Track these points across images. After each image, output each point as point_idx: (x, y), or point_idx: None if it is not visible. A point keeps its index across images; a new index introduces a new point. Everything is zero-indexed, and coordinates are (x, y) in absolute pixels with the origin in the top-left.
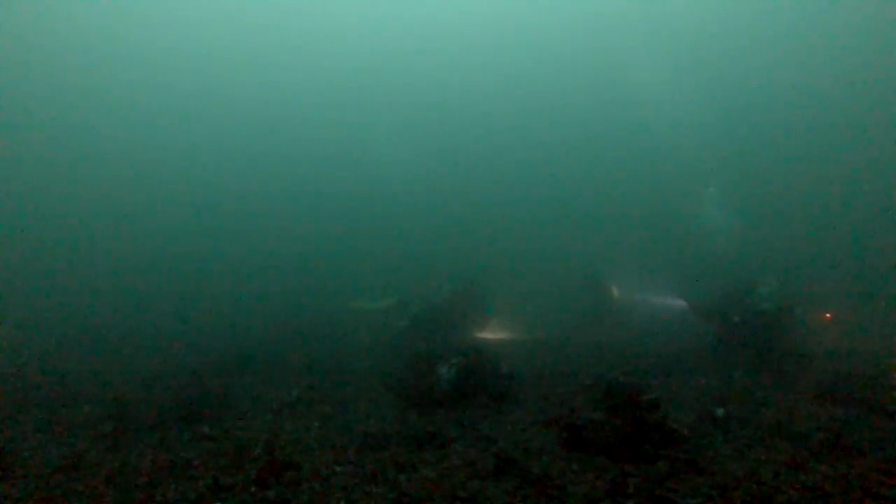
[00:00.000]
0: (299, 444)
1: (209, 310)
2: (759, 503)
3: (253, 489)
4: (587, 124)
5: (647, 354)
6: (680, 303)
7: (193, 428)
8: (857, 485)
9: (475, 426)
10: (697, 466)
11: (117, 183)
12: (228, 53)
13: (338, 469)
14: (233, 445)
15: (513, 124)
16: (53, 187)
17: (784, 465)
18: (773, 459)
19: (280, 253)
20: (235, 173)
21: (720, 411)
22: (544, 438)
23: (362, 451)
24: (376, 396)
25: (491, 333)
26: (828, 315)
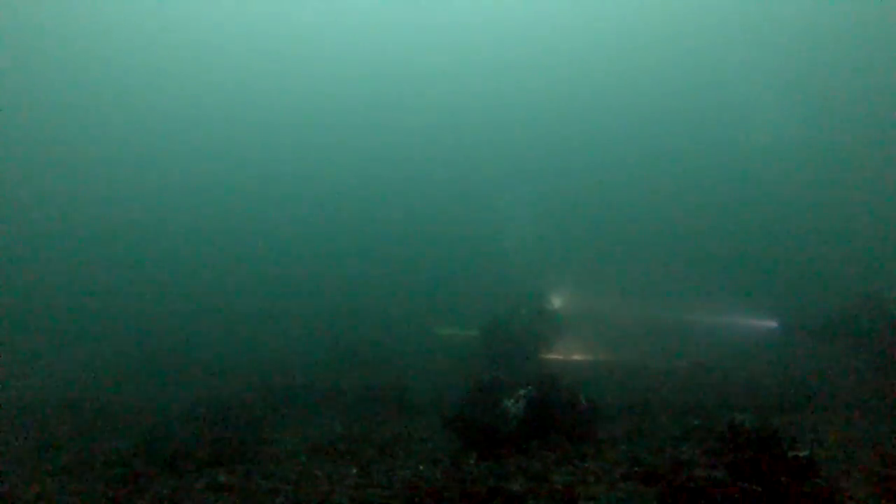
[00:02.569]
0: (327, 500)
1: (270, 332)
2: None
3: None
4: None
5: (748, 382)
6: (770, 323)
7: (212, 474)
8: None
9: (547, 477)
10: None
11: (176, 204)
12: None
13: None
14: (248, 500)
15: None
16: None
17: None
18: None
19: (349, 273)
20: (303, 195)
21: None
22: (641, 501)
23: None
24: (431, 434)
25: (562, 355)
26: None
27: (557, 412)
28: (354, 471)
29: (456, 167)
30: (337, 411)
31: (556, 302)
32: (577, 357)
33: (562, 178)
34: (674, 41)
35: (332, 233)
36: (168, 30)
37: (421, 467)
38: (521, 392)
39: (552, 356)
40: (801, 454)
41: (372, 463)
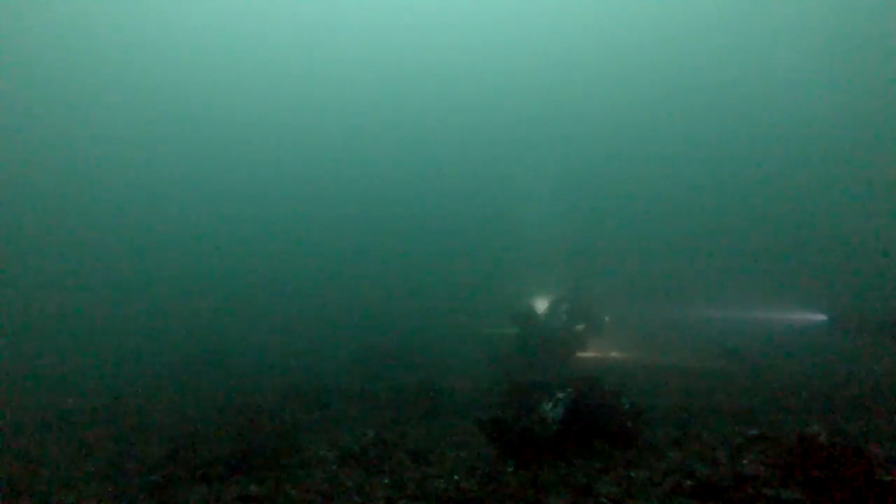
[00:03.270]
0: None
1: (298, 335)
2: None
3: None
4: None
5: (801, 382)
6: (819, 317)
7: (242, 482)
8: None
9: (591, 488)
10: None
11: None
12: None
13: None
14: None
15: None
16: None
17: None
18: None
19: (385, 270)
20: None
21: None
22: None
23: None
24: (466, 440)
25: (598, 353)
26: None
27: (599, 416)
28: (386, 480)
29: (479, 169)
30: (368, 415)
31: (592, 301)
32: (613, 354)
33: (590, 176)
34: (695, 33)
35: (355, 234)
36: (167, 29)
37: (456, 477)
38: (560, 395)
39: (588, 354)
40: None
41: (404, 472)
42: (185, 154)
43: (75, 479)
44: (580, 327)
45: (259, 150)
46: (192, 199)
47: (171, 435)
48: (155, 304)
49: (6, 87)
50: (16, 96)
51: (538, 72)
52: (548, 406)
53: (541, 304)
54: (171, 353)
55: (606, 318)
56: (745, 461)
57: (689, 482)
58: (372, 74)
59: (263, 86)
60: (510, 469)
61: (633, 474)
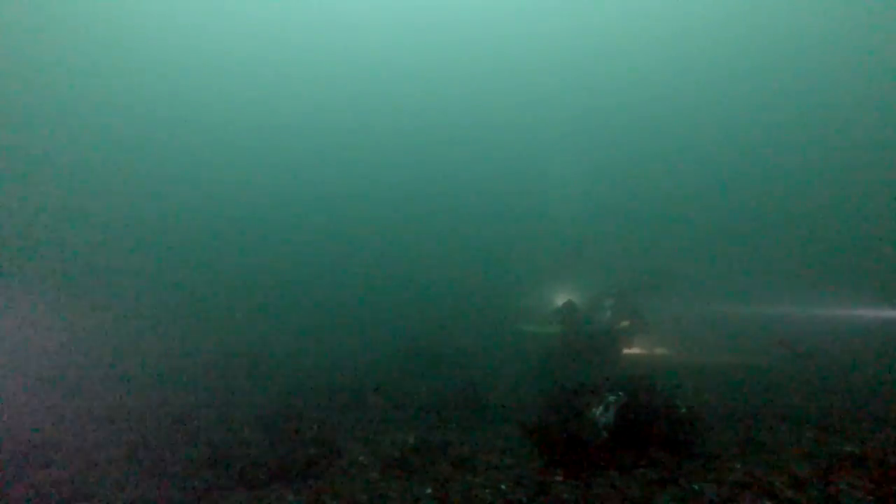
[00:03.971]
0: None
1: (336, 336)
2: None
3: None
4: None
5: (880, 385)
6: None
7: (281, 490)
8: None
9: (650, 502)
10: None
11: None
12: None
13: None
14: None
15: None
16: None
17: None
18: None
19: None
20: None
21: None
22: None
23: None
24: (511, 446)
25: (645, 350)
26: None
27: (652, 421)
28: (429, 490)
29: (507, 167)
30: (408, 419)
31: (636, 298)
32: (659, 351)
33: (626, 173)
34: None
35: (377, 236)
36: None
37: (503, 486)
38: (611, 398)
39: (634, 350)
40: None
41: (448, 480)
42: (204, 156)
43: (127, 478)
44: (626, 324)
45: (282, 152)
46: (213, 204)
47: (211, 438)
48: (188, 306)
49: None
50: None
51: (576, 68)
52: (597, 410)
53: (583, 303)
54: (208, 356)
55: (648, 317)
56: (838, 483)
57: (766, 501)
58: (402, 75)
59: (288, 86)
60: (558, 478)
61: (696, 487)
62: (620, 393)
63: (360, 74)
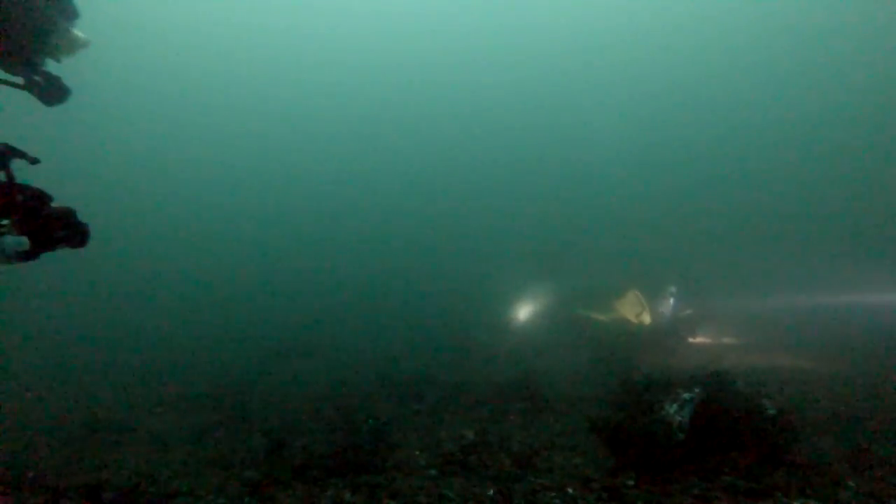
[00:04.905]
0: None
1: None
2: None
3: None
4: None
5: None
6: None
7: (338, 486)
8: None
9: None
10: None
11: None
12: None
13: None
14: None
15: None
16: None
17: None
18: None
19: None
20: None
21: None
22: None
23: None
24: (576, 443)
25: (711, 339)
26: None
27: (736, 422)
28: (491, 492)
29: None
30: (464, 412)
31: (699, 286)
32: (726, 341)
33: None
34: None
35: (406, 229)
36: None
37: (570, 490)
38: (685, 395)
39: (699, 340)
40: None
41: (510, 481)
42: (234, 149)
43: (190, 466)
44: (689, 311)
45: (315, 144)
46: (253, 195)
47: (270, 428)
48: (240, 296)
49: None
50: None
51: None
52: (672, 408)
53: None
54: (261, 344)
55: (689, 310)
56: None
57: None
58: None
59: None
60: (631, 482)
61: (796, 502)
62: (697, 389)
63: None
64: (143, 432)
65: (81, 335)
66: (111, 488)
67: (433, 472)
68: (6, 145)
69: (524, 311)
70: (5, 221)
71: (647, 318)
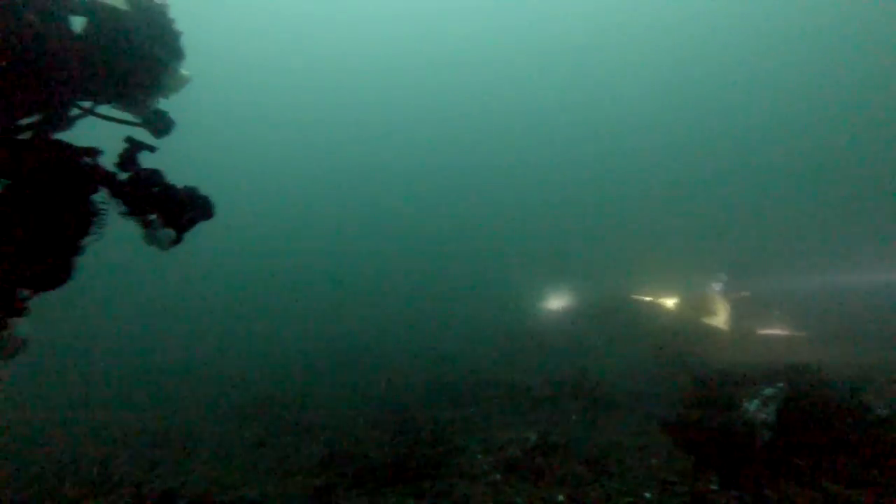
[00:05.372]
0: None
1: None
2: None
3: None
4: None
5: None
6: None
7: (399, 493)
8: None
9: None
10: None
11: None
12: None
13: None
14: None
15: None
16: None
17: None
18: None
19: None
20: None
21: None
22: None
23: None
24: (649, 443)
25: (779, 330)
26: None
27: (835, 422)
28: (561, 497)
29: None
30: (523, 413)
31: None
32: (796, 332)
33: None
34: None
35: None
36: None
37: (647, 495)
38: (768, 391)
39: (766, 331)
40: None
41: (581, 485)
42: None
43: (253, 474)
44: (745, 293)
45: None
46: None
47: (327, 435)
48: (290, 302)
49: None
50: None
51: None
52: (753, 405)
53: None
54: (313, 350)
55: (746, 293)
56: None
57: None
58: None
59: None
60: (714, 487)
61: None
62: (781, 385)
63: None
64: (207, 442)
65: (141, 348)
66: (184, 494)
67: (498, 476)
68: (132, 139)
69: (558, 305)
70: (153, 216)
71: (722, 318)
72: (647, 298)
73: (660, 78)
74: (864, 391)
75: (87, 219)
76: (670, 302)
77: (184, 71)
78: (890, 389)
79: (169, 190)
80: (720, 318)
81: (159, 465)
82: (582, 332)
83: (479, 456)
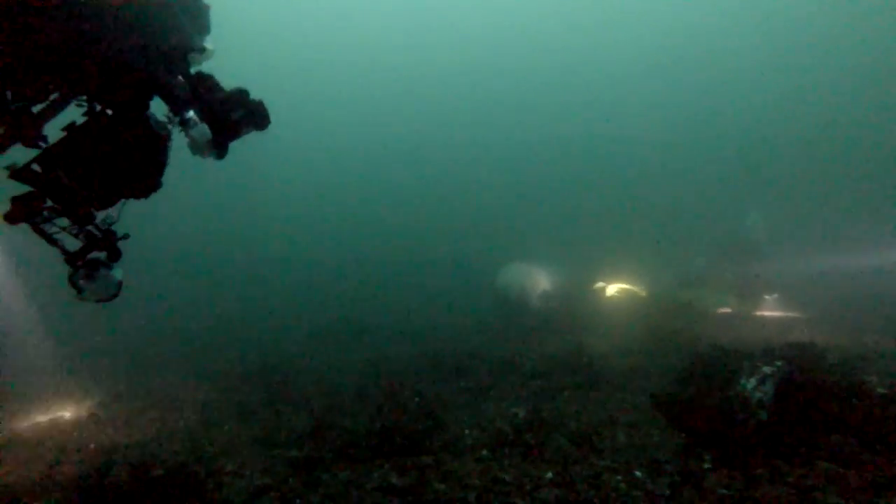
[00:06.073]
0: None
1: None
2: None
3: None
4: None
5: None
6: None
7: (383, 468)
8: None
9: None
10: None
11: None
12: None
13: None
14: None
15: None
16: None
17: None
18: None
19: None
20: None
21: None
22: None
23: None
24: (640, 420)
25: (779, 311)
26: None
27: (834, 401)
28: (550, 475)
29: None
30: (514, 388)
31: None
32: (794, 314)
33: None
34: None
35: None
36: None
37: (637, 473)
38: (765, 369)
39: (764, 313)
40: None
41: (570, 463)
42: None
43: (236, 444)
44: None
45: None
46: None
47: (314, 406)
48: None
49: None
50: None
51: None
52: (749, 382)
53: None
54: (309, 322)
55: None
56: None
57: None
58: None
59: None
60: (707, 466)
61: None
62: (779, 363)
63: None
64: (192, 407)
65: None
66: (159, 464)
67: (485, 452)
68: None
69: (546, 285)
70: (190, 114)
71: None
72: (599, 285)
73: (654, 58)
74: (864, 371)
75: (155, 133)
76: (612, 289)
77: (208, 45)
78: (890, 369)
79: (214, 86)
80: (710, 300)
81: (136, 433)
82: (574, 310)
83: (467, 431)
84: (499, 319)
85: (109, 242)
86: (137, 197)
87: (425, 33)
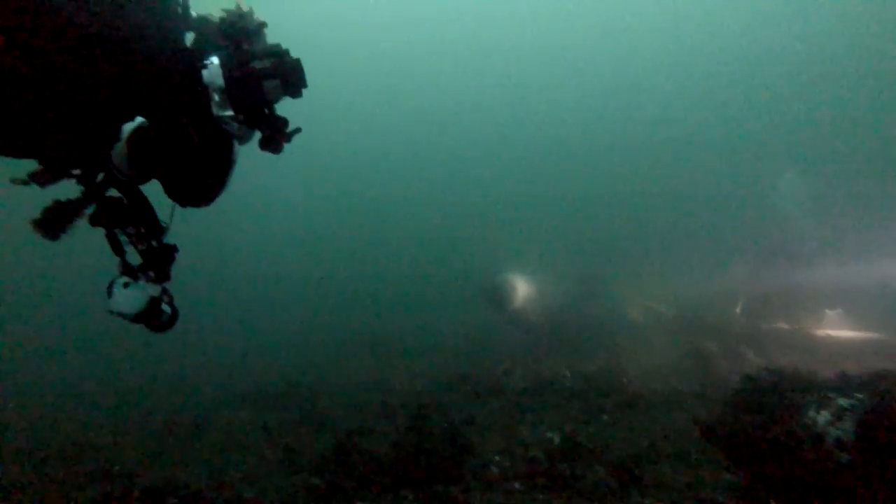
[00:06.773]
0: None
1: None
2: None
3: None
4: None
5: None
6: None
7: (407, 499)
8: None
9: None
10: None
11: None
12: None
13: None
14: None
15: None
16: None
17: None
18: None
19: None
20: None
21: None
22: None
23: None
24: (687, 450)
25: (832, 329)
26: None
27: None
28: None
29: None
30: (548, 410)
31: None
32: (868, 335)
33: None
34: None
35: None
36: None
37: None
38: (842, 402)
39: (824, 331)
40: None
41: (610, 497)
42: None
43: (257, 467)
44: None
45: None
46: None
47: (336, 428)
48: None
49: None
50: None
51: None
52: (822, 416)
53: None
54: (330, 339)
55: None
56: None
57: None
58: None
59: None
60: None
61: None
62: (859, 395)
63: None
64: (217, 430)
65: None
66: (179, 490)
67: (517, 484)
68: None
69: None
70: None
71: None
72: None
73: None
74: None
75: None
76: (634, 308)
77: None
78: None
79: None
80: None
81: (163, 455)
82: (605, 324)
83: (497, 457)
84: (530, 334)
85: (167, 259)
86: (200, 204)
87: (427, 40)
